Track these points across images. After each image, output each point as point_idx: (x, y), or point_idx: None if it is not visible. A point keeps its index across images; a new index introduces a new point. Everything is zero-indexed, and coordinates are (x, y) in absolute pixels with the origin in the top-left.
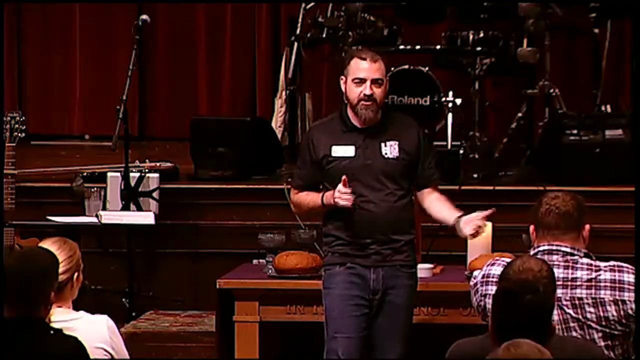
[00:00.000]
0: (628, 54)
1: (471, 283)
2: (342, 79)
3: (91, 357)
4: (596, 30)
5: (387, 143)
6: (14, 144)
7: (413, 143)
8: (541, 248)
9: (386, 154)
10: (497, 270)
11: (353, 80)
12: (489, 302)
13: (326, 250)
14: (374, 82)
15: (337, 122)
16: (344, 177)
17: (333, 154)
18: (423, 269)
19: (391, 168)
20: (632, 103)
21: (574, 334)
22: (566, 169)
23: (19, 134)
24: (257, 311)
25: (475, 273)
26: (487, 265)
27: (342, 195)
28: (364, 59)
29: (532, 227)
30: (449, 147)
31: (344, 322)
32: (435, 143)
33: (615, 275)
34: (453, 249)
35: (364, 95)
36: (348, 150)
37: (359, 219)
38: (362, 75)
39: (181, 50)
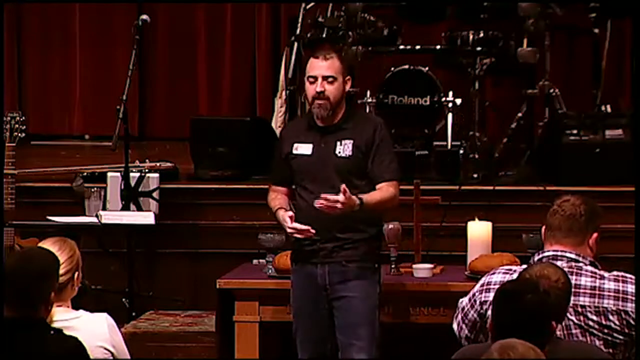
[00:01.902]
0: (628, 54)
1: (462, 304)
2: (305, 81)
3: (92, 356)
4: (596, 30)
5: (343, 142)
6: (14, 144)
7: (368, 140)
8: (546, 254)
9: (339, 152)
10: (497, 277)
11: (307, 78)
12: (489, 308)
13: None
14: (325, 79)
15: (305, 120)
16: (290, 214)
17: (294, 151)
18: (423, 269)
19: (343, 166)
20: (632, 103)
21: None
22: (566, 169)
23: (19, 134)
24: (257, 311)
25: (464, 299)
26: (487, 275)
27: (295, 233)
28: (317, 57)
29: (543, 228)
30: (449, 147)
31: (299, 321)
32: (435, 143)
33: (619, 286)
34: (453, 249)
35: (316, 92)
36: (306, 148)
37: (309, 217)
38: (314, 73)
39: (181, 50)
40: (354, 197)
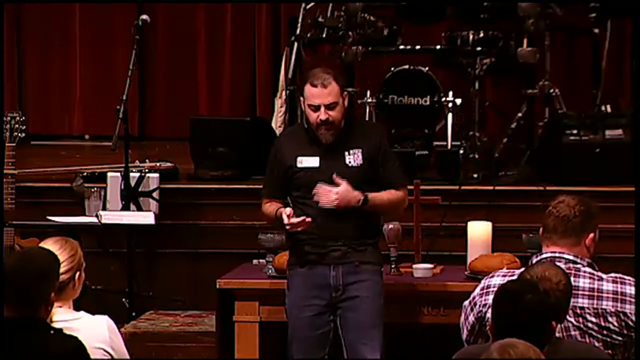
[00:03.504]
0: (628, 54)
1: (465, 303)
2: (301, 99)
3: (91, 357)
4: (596, 30)
5: (351, 151)
6: (14, 144)
7: (375, 149)
8: (544, 255)
9: (350, 162)
10: (496, 280)
11: (309, 106)
12: (489, 311)
13: (290, 251)
14: (328, 107)
15: (302, 132)
16: (288, 211)
17: (298, 165)
18: (423, 269)
19: (355, 176)
20: (632, 103)
21: None
22: (566, 169)
23: (19, 134)
24: (257, 311)
25: (465, 303)
26: (486, 278)
27: (293, 226)
28: (315, 86)
29: (541, 229)
30: (449, 147)
31: (301, 323)
32: (435, 143)
33: (617, 287)
34: (453, 249)
35: (320, 120)
36: (313, 161)
37: (324, 226)
38: (316, 102)
39: (181, 50)
40: (356, 191)
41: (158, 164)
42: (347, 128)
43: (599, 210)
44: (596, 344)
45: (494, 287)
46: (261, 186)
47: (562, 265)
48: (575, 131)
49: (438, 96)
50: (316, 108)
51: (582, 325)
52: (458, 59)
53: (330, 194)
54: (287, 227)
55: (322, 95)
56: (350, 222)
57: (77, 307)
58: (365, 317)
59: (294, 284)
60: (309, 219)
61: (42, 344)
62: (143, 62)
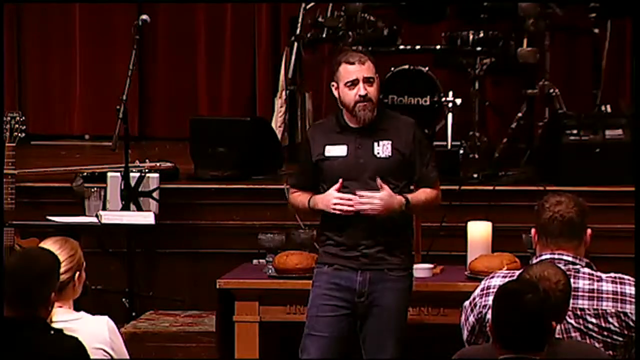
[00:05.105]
0: (628, 54)
1: (466, 304)
2: (333, 85)
3: (91, 357)
4: (596, 30)
5: (380, 142)
6: (14, 144)
7: (407, 142)
8: (543, 257)
9: (378, 153)
10: (496, 281)
11: (345, 84)
12: (489, 312)
13: (319, 249)
14: (366, 81)
15: (333, 122)
16: (340, 180)
17: (326, 154)
18: (423, 269)
19: (383, 167)
20: (632, 103)
21: None
22: (566, 169)
23: (19, 134)
24: (257, 311)
25: (465, 303)
26: (486, 279)
27: (340, 202)
28: (352, 63)
29: (533, 230)
30: (449, 147)
31: (319, 321)
32: (435, 143)
33: (617, 287)
34: (453, 249)
35: (359, 96)
36: (341, 150)
37: (350, 218)
38: (353, 77)
39: (181, 50)
40: (398, 195)
41: (158, 164)
42: (379, 119)
43: (588, 207)
44: (597, 345)
45: (494, 288)
46: (261, 186)
47: (561, 267)
48: (575, 131)
49: (438, 96)
50: (353, 84)
51: (582, 327)
52: (458, 59)
53: (372, 200)
54: (333, 202)
55: (359, 70)
56: (384, 222)
57: (77, 307)
58: (382, 327)
59: (318, 281)
60: (354, 208)
61: (42, 344)
62: (143, 62)
